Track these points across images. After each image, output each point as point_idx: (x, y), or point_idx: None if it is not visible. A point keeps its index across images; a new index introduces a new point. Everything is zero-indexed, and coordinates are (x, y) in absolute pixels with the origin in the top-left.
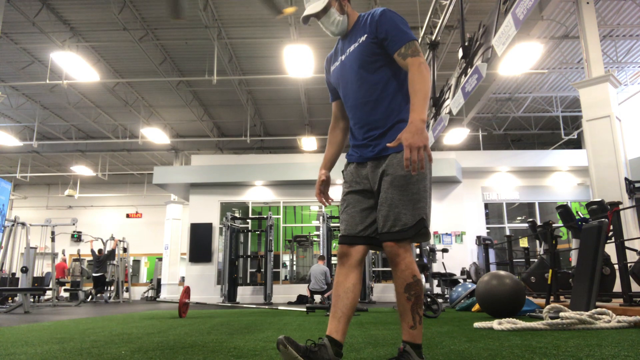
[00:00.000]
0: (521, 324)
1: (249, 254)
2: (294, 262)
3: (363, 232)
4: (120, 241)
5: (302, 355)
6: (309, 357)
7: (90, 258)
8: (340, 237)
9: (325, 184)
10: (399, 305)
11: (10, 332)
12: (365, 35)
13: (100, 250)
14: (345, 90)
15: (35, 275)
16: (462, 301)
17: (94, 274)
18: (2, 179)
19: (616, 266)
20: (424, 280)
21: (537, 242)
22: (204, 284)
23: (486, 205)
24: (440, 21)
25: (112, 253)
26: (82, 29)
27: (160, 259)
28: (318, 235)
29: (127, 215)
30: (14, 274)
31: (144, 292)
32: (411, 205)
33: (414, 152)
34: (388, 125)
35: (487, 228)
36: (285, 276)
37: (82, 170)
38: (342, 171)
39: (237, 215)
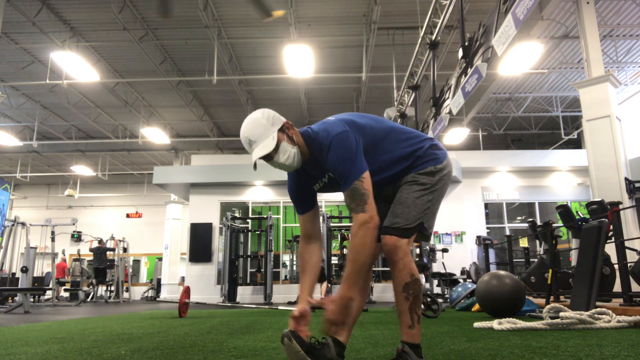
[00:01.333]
0: (521, 323)
1: (249, 254)
2: (294, 262)
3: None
4: (120, 241)
5: (305, 350)
6: (312, 354)
7: (90, 258)
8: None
9: (302, 319)
10: (397, 305)
11: (10, 332)
12: (327, 174)
13: (100, 241)
14: None
15: (35, 275)
16: (462, 301)
17: (95, 267)
18: (2, 179)
19: (616, 266)
20: (423, 280)
21: (537, 242)
22: (204, 284)
23: (486, 205)
24: (440, 21)
25: (108, 249)
26: (82, 29)
27: (160, 259)
28: None
29: (127, 215)
30: (14, 274)
31: (144, 292)
32: (420, 209)
33: (328, 322)
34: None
35: (487, 228)
36: (285, 276)
37: (82, 170)
38: None
39: (237, 215)
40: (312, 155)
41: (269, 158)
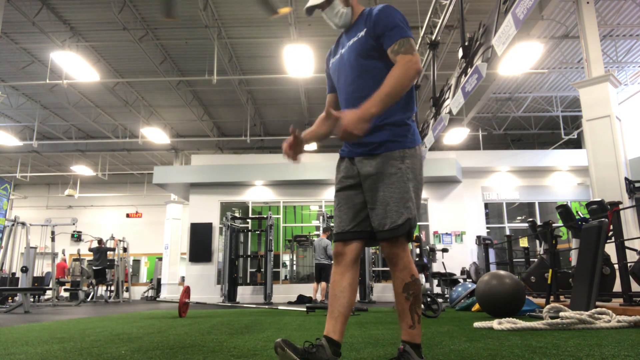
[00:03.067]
0: (521, 323)
1: (249, 253)
2: (294, 262)
3: (356, 227)
4: (120, 241)
5: (300, 357)
6: (307, 359)
7: (90, 258)
8: (335, 234)
9: (297, 142)
10: (397, 305)
11: (10, 332)
12: (365, 30)
13: (100, 241)
14: (339, 83)
15: (35, 275)
16: (462, 301)
17: (95, 267)
18: (2, 179)
19: (616, 266)
20: (423, 280)
21: (537, 242)
22: (204, 284)
23: (486, 205)
24: (440, 21)
25: (108, 249)
26: (82, 29)
27: (160, 259)
28: (318, 235)
29: (127, 215)
30: (14, 274)
31: (144, 292)
32: (401, 203)
33: (345, 136)
34: (378, 124)
35: (487, 228)
36: (285, 276)
37: (82, 170)
38: (336, 167)
39: (237, 215)
40: (360, 17)
41: (321, 7)
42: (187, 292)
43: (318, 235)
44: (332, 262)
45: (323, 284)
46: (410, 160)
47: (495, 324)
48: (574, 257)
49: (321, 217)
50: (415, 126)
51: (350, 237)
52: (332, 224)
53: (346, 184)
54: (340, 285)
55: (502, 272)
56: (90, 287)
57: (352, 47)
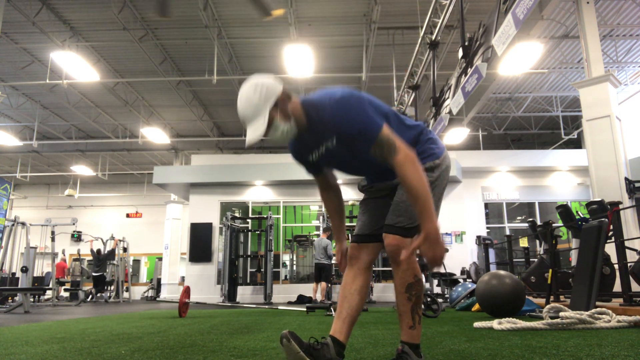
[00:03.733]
0: (521, 323)
1: (249, 253)
2: (294, 262)
3: (377, 230)
4: (120, 241)
5: (304, 351)
6: (311, 354)
7: (90, 258)
8: (354, 236)
9: (345, 256)
10: (398, 305)
11: (10, 332)
12: (334, 137)
13: (99, 251)
14: (341, 165)
15: (35, 275)
16: (462, 301)
17: (94, 274)
18: (2, 179)
19: (616, 266)
20: (423, 279)
21: (537, 242)
22: (204, 284)
23: (486, 205)
24: (440, 21)
25: (112, 252)
26: (82, 29)
27: (160, 259)
28: (318, 235)
29: (127, 215)
30: (14, 274)
31: (144, 292)
32: None
33: (436, 263)
34: None
35: (487, 228)
36: (285, 276)
37: (82, 170)
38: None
39: (237, 215)
40: (312, 123)
41: (265, 135)
42: (187, 292)
43: (318, 235)
44: (332, 262)
45: (323, 284)
46: (440, 169)
47: (495, 324)
48: (574, 257)
49: (321, 217)
50: (433, 135)
51: (367, 240)
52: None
53: (378, 194)
54: (350, 287)
55: (502, 272)
56: (90, 296)
57: (338, 148)
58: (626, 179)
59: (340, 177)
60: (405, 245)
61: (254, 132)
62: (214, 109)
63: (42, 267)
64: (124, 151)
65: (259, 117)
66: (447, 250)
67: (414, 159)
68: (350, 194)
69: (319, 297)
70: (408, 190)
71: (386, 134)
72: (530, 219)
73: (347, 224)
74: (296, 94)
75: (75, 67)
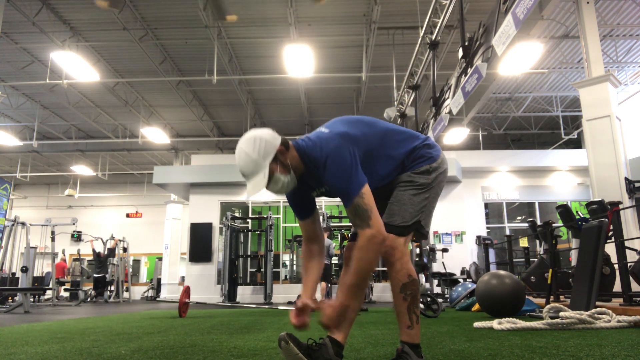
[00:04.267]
0: (521, 323)
1: (249, 253)
2: (294, 262)
3: None
4: (120, 241)
5: (303, 352)
6: (310, 355)
7: (90, 258)
8: (351, 235)
9: (302, 311)
10: (395, 306)
11: (10, 332)
12: (325, 187)
13: (99, 254)
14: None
15: (35, 275)
16: (462, 301)
17: (95, 275)
18: (2, 179)
19: (616, 266)
20: (423, 280)
21: (537, 242)
22: (204, 284)
23: (486, 205)
24: (440, 21)
25: (112, 252)
26: (82, 29)
27: (160, 259)
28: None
29: (127, 215)
30: (14, 274)
31: (144, 292)
32: (417, 207)
33: (325, 323)
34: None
35: (487, 228)
36: (285, 276)
37: (82, 170)
38: None
39: (237, 215)
40: (308, 168)
41: (266, 188)
42: (187, 292)
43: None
44: (333, 261)
45: (323, 283)
46: (436, 172)
47: (495, 324)
48: (574, 257)
49: (321, 217)
50: (430, 141)
51: None
52: (332, 224)
53: (375, 192)
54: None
55: (502, 272)
56: (91, 296)
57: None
58: (626, 179)
59: None
60: (398, 245)
61: (255, 187)
62: (214, 109)
63: (42, 267)
64: (124, 151)
65: (259, 173)
66: (330, 327)
67: (379, 242)
68: None
69: (318, 297)
70: (355, 263)
71: (362, 202)
72: (530, 219)
73: (336, 224)
74: (290, 142)
75: (75, 67)
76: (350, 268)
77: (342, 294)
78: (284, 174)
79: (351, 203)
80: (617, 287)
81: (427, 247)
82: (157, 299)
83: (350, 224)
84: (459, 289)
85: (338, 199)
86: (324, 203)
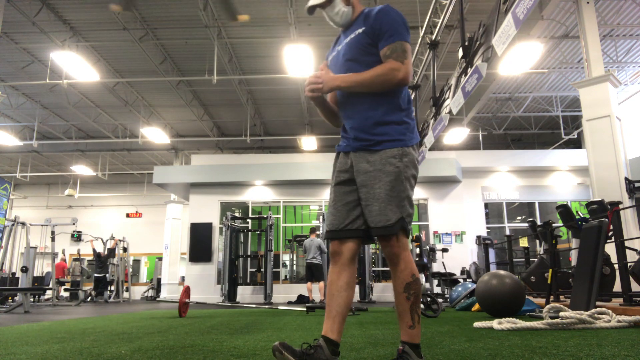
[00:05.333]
0: (521, 323)
1: (249, 253)
2: (294, 262)
3: (350, 225)
4: (120, 241)
5: (298, 359)
6: None
7: (91, 257)
8: (327, 232)
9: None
10: (397, 305)
11: (10, 332)
12: (363, 28)
13: (99, 254)
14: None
15: (35, 274)
16: (462, 301)
17: (96, 274)
18: (2, 179)
19: (616, 266)
20: (423, 280)
21: (537, 241)
22: (204, 284)
23: (486, 205)
24: (440, 21)
25: (112, 252)
26: (82, 29)
27: (160, 259)
28: (318, 235)
29: (127, 215)
30: (14, 274)
31: (144, 292)
32: (396, 202)
33: (316, 83)
34: (378, 121)
35: (487, 228)
36: (285, 276)
37: (82, 170)
38: (333, 163)
39: (237, 215)
40: (360, 16)
41: (322, 6)
42: (187, 292)
43: (318, 235)
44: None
45: (321, 283)
46: (409, 158)
47: (495, 324)
48: (574, 257)
49: (321, 217)
50: (414, 124)
51: (345, 236)
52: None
53: (341, 178)
54: (337, 284)
55: (502, 272)
56: (90, 296)
57: (348, 44)
58: (626, 179)
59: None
60: (401, 245)
61: None
62: (214, 109)
63: (42, 267)
64: (124, 151)
65: None
66: (318, 91)
67: (398, 78)
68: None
69: (317, 296)
70: (372, 70)
71: (406, 47)
72: (530, 219)
73: None
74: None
75: (75, 67)
76: None
77: (343, 76)
78: (344, 3)
79: (398, 40)
80: (617, 287)
81: (427, 247)
82: (157, 299)
83: None
84: (459, 289)
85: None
86: (324, 203)
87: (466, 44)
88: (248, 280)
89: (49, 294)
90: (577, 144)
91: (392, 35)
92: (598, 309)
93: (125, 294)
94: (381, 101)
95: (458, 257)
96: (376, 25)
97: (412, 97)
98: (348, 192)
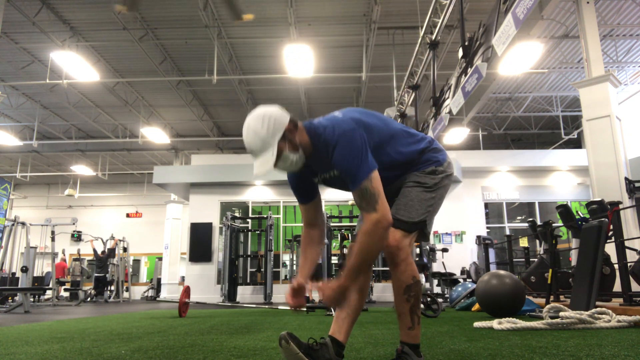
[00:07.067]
0: (521, 323)
1: (249, 253)
2: (294, 262)
3: None
4: (120, 241)
5: (303, 352)
6: (310, 355)
7: (91, 257)
8: (354, 235)
9: (298, 292)
10: (397, 307)
11: (10, 332)
12: (335, 170)
13: (102, 252)
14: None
15: (35, 274)
16: (462, 301)
17: (97, 274)
18: (2, 179)
19: (616, 266)
20: (423, 280)
21: (537, 241)
22: (204, 284)
23: (486, 205)
24: (440, 21)
25: (112, 252)
26: (82, 29)
27: (160, 259)
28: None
29: (127, 215)
30: (14, 274)
31: (144, 292)
32: (424, 206)
33: (325, 300)
34: (407, 173)
35: (487, 228)
36: (286, 276)
37: (82, 169)
38: None
39: (237, 214)
40: (316, 150)
41: (275, 166)
42: (187, 292)
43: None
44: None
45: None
46: (442, 174)
47: (495, 323)
48: (574, 257)
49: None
50: (438, 145)
51: None
52: (332, 224)
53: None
54: (350, 287)
55: (502, 272)
56: (90, 296)
57: (340, 179)
58: (626, 179)
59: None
60: (404, 246)
61: (263, 165)
62: (214, 109)
63: (42, 267)
64: (124, 151)
65: (267, 151)
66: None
67: (384, 227)
68: (340, 195)
69: (317, 296)
70: (358, 245)
71: (370, 186)
72: (530, 219)
73: (336, 224)
74: (300, 120)
75: (75, 67)
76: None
77: (344, 276)
78: (292, 151)
79: (359, 186)
80: (617, 287)
81: (427, 247)
82: (157, 299)
83: (351, 224)
84: (459, 289)
85: (338, 199)
86: (324, 203)
87: (466, 44)
88: (248, 280)
89: (49, 294)
90: (577, 144)
91: (352, 181)
92: (598, 309)
93: (125, 294)
94: (400, 167)
95: (458, 257)
96: (338, 169)
97: (412, 97)
98: None
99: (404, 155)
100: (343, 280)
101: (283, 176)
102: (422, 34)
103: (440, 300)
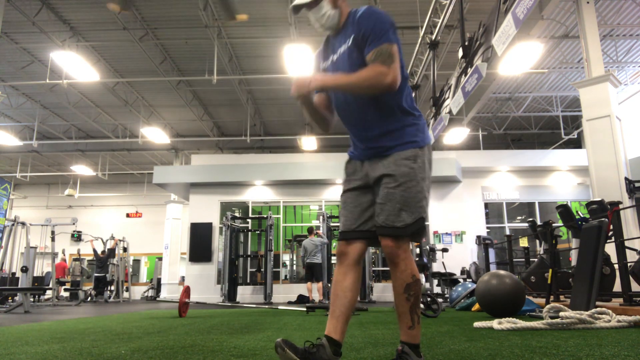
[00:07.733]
0: (521, 323)
1: (249, 253)
2: (294, 262)
3: (362, 226)
4: (120, 241)
5: (300, 357)
6: (308, 359)
7: (91, 257)
8: (340, 233)
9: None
10: (397, 306)
11: (10, 332)
12: (352, 37)
13: (102, 252)
14: (337, 97)
15: (35, 274)
16: (462, 301)
17: (97, 274)
18: (2, 179)
19: (616, 266)
20: (423, 280)
21: (537, 241)
22: (204, 284)
23: (486, 205)
24: (440, 21)
25: (112, 252)
26: (82, 29)
27: (160, 259)
28: (317, 234)
29: (127, 215)
30: (14, 274)
31: (144, 292)
32: (413, 203)
33: (303, 82)
34: (383, 131)
35: (487, 228)
36: (285, 276)
37: (82, 169)
38: (344, 169)
39: (237, 214)
40: (345, 27)
41: (308, 7)
42: (187, 292)
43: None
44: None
45: (320, 283)
46: (422, 159)
47: (495, 323)
48: (574, 257)
49: (321, 217)
50: (424, 123)
51: (354, 237)
52: (332, 224)
53: (354, 185)
54: (342, 285)
55: (502, 272)
56: (90, 296)
57: (344, 56)
58: (626, 179)
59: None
60: (402, 245)
61: None
62: (214, 109)
63: (42, 267)
64: (124, 151)
65: None
66: (306, 90)
67: (383, 81)
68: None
69: (316, 296)
70: (359, 74)
71: (391, 49)
72: (530, 219)
73: (336, 224)
74: None
75: (75, 67)
76: None
77: (333, 76)
78: (331, 5)
79: (380, 45)
80: (617, 287)
81: (427, 247)
82: (157, 299)
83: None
84: (459, 289)
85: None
86: (324, 203)
87: (466, 44)
88: (248, 280)
89: (49, 294)
90: (577, 144)
91: (377, 38)
92: (598, 309)
93: (125, 294)
94: (384, 107)
95: (458, 257)
96: (361, 32)
97: (412, 97)
98: (361, 194)
99: (396, 99)
100: (330, 80)
101: (283, 176)
102: (422, 34)
103: (440, 300)
